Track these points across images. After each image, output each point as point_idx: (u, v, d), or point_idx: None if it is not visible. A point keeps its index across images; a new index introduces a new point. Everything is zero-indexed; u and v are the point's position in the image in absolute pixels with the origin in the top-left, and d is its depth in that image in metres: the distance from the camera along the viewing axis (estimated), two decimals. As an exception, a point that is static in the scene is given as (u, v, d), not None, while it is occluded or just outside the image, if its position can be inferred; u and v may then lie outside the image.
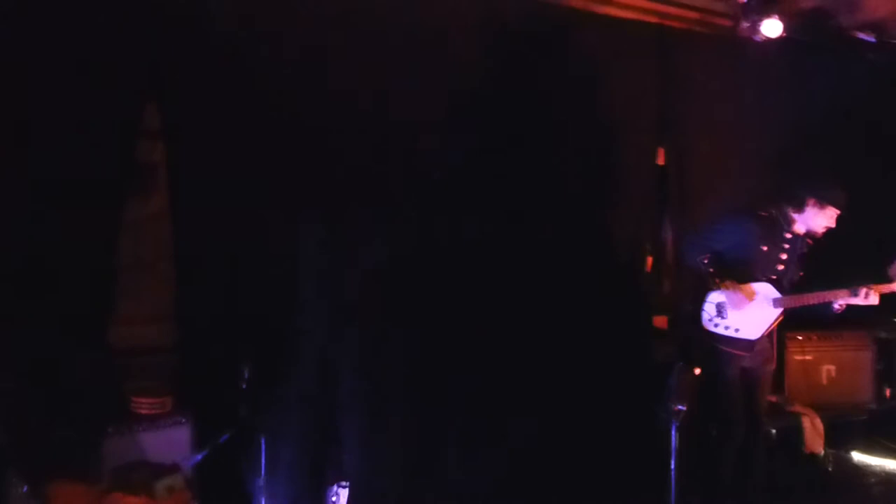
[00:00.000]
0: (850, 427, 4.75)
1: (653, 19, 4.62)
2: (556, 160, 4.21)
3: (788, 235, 3.65)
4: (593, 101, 4.33)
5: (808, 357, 4.75)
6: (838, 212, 3.56)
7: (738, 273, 3.60)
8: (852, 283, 3.49)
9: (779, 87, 4.79)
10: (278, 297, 3.41)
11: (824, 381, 4.76)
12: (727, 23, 4.75)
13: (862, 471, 4.65)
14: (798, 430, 4.46)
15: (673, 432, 3.18)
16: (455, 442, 3.76)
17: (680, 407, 3.16)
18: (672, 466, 3.18)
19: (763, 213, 3.68)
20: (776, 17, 4.51)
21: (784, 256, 3.64)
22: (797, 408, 4.59)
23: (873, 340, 4.87)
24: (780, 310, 3.61)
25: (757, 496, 3.76)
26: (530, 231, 4.09)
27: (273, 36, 3.36)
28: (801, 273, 3.68)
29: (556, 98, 4.19)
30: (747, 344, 3.63)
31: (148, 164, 3.29)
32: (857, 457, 4.75)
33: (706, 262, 3.62)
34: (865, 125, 4.98)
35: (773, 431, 4.40)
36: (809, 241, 3.69)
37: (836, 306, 3.55)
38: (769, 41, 4.58)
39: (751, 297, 3.59)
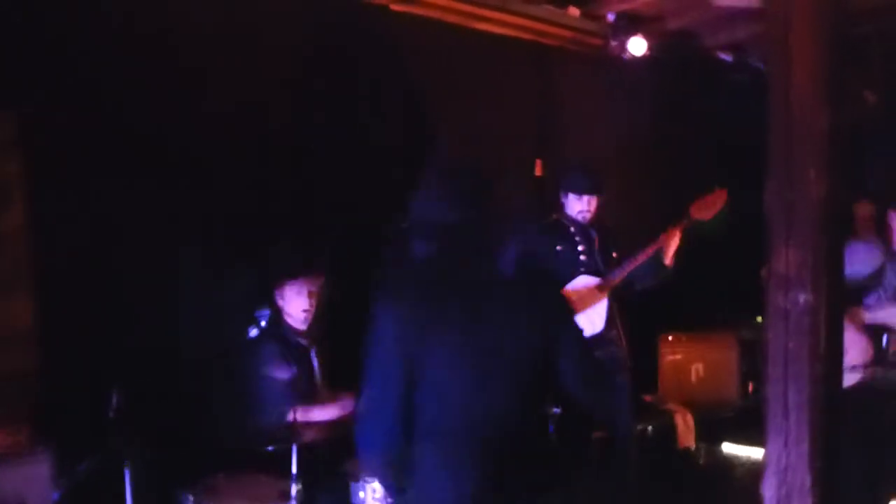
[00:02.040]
0: (719, 422, 5.05)
1: (529, 37, 4.79)
2: (437, 171, 4.26)
3: (573, 229, 3.89)
4: (474, 116, 4.43)
5: (678, 357, 5.03)
6: (583, 195, 3.81)
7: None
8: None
9: (646, 102, 5.06)
10: (150, 319, 3.28)
11: (693, 380, 5.06)
12: (598, 41, 4.99)
13: (731, 462, 4.96)
14: (671, 427, 4.73)
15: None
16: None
17: (556, 410, 3.25)
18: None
19: (549, 220, 3.95)
20: (641, 36, 4.77)
21: (581, 248, 3.87)
22: (670, 406, 4.85)
23: (738, 341, 5.21)
24: (606, 292, 3.78)
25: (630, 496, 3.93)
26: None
27: (141, 44, 3.24)
28: (615, 254, 3.89)
29: (434, 112, 4.26)
30: (597, 340, 3.73)
31: (1, 179, 3.09)
32: (727, 448, 5.06)
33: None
34: (723, 138, 5.34)
35: (649, 429, 4.64)
36: (597, 227, 3.92)
37: (666, 262, 3.77)
38: (636, 59, 4.84)
39: (572, 296, 3.70)
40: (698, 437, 4.82)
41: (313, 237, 3.66)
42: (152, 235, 3.27)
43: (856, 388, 3.41)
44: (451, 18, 4.39)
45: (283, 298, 3.34)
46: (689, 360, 5.06)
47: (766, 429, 1.86)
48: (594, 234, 3.92)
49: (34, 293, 3.14)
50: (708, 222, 3.75)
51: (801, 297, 1.75)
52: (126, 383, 2.90)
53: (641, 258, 3.76)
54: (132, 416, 2.87)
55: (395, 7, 4.08)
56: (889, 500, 3.75)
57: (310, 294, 3.32)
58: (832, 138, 1.74)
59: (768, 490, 1.87)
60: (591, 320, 3.77)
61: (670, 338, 5.03)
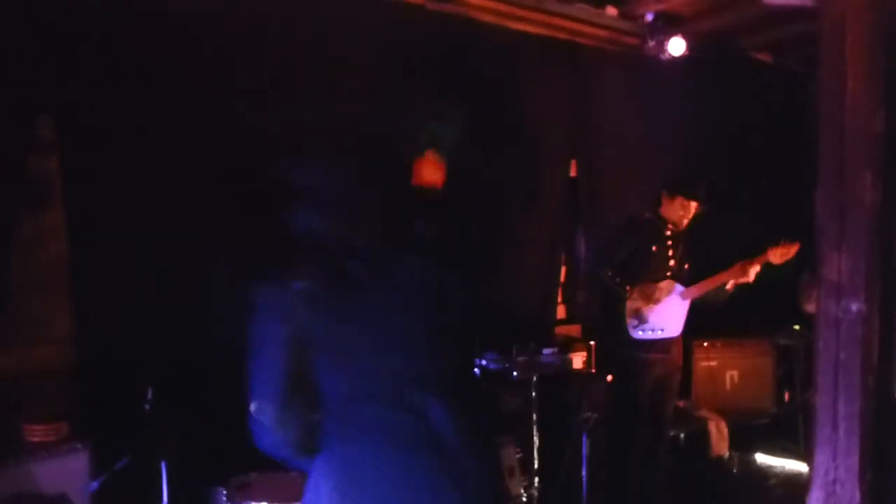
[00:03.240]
0: (752, 430, 4.96)
1: (565, 36, 4.74)
2: (472, 171, 4.25)
3: (668, 232, 3.86)
4: (508, 115, 4.41)
5: (713, 363, 4.94)
6: (690, 201, 3.76)
7: (641, 277, 3.77)
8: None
9: (683, 102, 4.98)
10: (184, 317, 3.30)
11: (728, 387, 4.97)
12: (635, 41, 4.92)
13: (764, 471, 4.86)
14: (704, 434, 4.64)
15: (584, 440, 3.23)
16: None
17: (590, 414, 3.22)
18: (584, 474, 3.24)
19: (643, 217, 3.92)
20: (680, 36, 4.69)
21: (671, 252, 3.86)
22: (703, 412, 4.76)
23: (774, 347, 5.11)
24: (687, 301, 3.82)
25: (660, 498, 3.88)
26: (444, 243, 4.12)
27: (177, 48, 3.26)
28: (688, 265, 3.90)
29: (471, 111, 4.23)
30: (667, 344, 3.82)
31: (39, 179, 3.13)
32: (760, 458, 4.96)
33: (610, 274, 3.78)
34: (759, 139, 5.25)
35: (682, 435, 4.57)
36: (685, 234, 3.90)
37: (728, 287, 3.77)
38: (674, 59, 4.77)
39: (662, 295, 3.77)
40: (732, 446, 4.74)
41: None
42: (186, 235, 3.29)
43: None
44: (486, 17, 4.36)
45: None
46: (723, 367, 4.97)
47: (814, 440, 1.81)
48: (681, 241, 3.91)
49: (71, 292, 3.18)
50: (775, 266, 3.73)
51: (854, 306, 1.70)
52: (161, 380, 2.94)
53: (721, 279, 3.76)
54: (167, 412, 2.90)
55: (430, 6, 4.07)
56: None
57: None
58: (888, 142, 1.69)
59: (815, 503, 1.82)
60: (673, 323, 3.84)
61: (705, 344, 4.94)
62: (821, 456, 1.78)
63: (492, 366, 3.60)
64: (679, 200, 3.79)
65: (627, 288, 3.77)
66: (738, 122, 5.08)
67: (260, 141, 3.39)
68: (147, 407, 2.91)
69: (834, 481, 1.77)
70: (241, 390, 3.27)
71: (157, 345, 3.13)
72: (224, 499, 2.81)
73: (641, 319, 3.78)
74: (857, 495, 1.74)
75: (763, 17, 4.61)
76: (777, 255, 3.63)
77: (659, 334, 3.78)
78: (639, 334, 3.79)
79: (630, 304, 3.80)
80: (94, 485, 2.80)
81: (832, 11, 1.71)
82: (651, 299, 3.75)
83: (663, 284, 3.81)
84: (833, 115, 1.73)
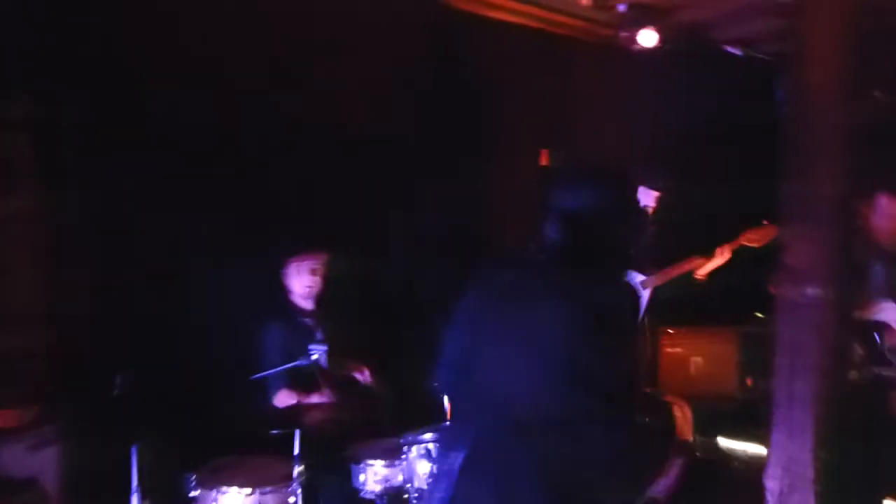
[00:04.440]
0: (716, 415, 5.07)
1: (538, 25, 4.77)
2: (443, 158, 4.28)
3: None
4: (482, 103, 4.44)
5: (678, 350, 5.05)
6: (651, 191, 3.83)
7: None
8: None
9: (656, 94, 5.05)
10: (158, 300, 3.29)
11: (693, 373, 5.07)
12: (608, 31, 4.97)
13: (727, 455, 4.98)
14: (670, 419, 4.74)
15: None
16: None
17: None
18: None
19: None
20: (652, 28, 4.75)
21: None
22: (669, 398, 4.86)
23: (738, 334, 5.22)
24: (648, 290, 3.86)
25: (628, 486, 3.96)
26: (422, 225, 4.16)
27: (151, 31, 3.22)
28: (657, 255, 3.93)
29: (445, 98, 4.26)
30: None
31: (10, 159, 3.08)
32: (723, 442, 5.09)
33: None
34: (730, 132, 5.34)
35: (648, 421, 4.66)
36: (650, 223, 3.93)
37: (699, 275, 3.84)
38: (646, 51, 4.83)
39: None
40: (696, 430, 4.84)
41: (313, 216, 3.67)
42: (160, 218, 3.27)
43: (853, 384, 3.44)
44: (462, 5, 4.38)
45: (287, 278, 3.39)
46: (688, 354, 5.08)
47: (772, 419, 1.88)
48: (648, 231, 3.94)
49: (42, 274, 3.15)
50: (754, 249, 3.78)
51: (812, 291, 1.77)
52: (133, 365, 2.93)
53: (687, 266, 3.83)
54: (139, 397, 2.89)
55: (406, -7, 4.08)
56: (885, 498, 3.79)
57: (312, 271, 3.38)
58: (847, 135, 1.76)
59: (771, 481, 1.89)
60: None
61: (670, 331, 5.05)
62: (778, 435, 1.85)
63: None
64: (640, 190, 3.86)
65: None
66: (709, 114, 5.16)
67: (240, 122, 3.40)
68: (117, 391, 2.90)
69: (790, 459, 1.85)
70: (216, 375, 3.30)
71: (132, 328, 3.12)
72: (193, 484, 2.82)
73: None
74: (811, 472, 1.82)
75: (735, 10, 4.69)
76: (752, 238, 3.70)
77: None
78: None
79: None
80: (67, 469, 2.78)
81: (797, 5, 1.77)
82: None
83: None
84: (797, 108, 1.79)
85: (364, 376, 3.41)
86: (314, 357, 2.92)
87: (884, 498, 3.81)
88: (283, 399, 3.25)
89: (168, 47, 3.26)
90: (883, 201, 3.44)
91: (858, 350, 3.41)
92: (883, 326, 3.39)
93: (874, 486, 3.64)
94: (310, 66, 3.70)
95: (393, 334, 3.92)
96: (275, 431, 2.84)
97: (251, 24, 3.49)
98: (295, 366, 2.98)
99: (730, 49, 5.23)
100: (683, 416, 4.81)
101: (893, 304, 3.38)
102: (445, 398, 3.60)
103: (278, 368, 3.06)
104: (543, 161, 4.83)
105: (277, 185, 3.71)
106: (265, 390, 3.22)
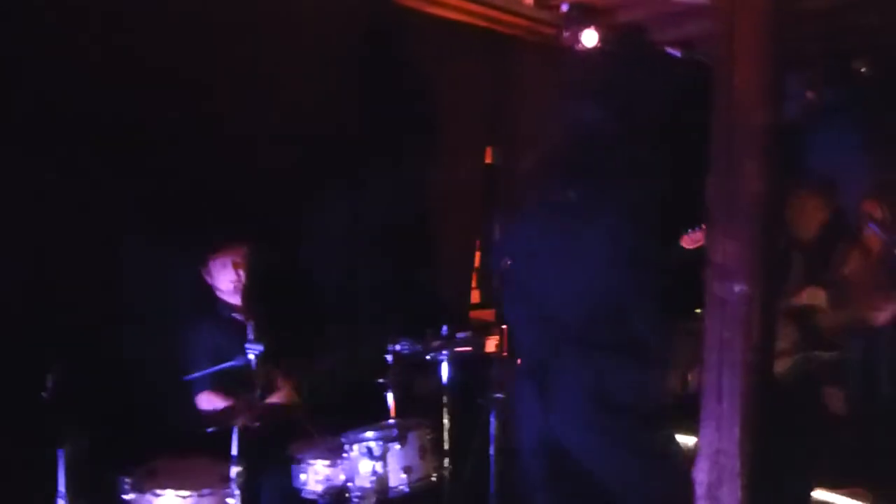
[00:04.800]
0: (658, 410, 5.16)
1: (483, 23, 4.78)
2: (388, 156, 4.26)
3: None
4: (424, 99, 4.43)
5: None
6: None
7: None
8: None
9: (598, 93, 5.11)
10: (88, 298, 3.19)
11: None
12: (552, 31, 5.01)
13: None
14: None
15: (492, 419, 3.31)
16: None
17: (499, 395, 3.30)
18: (491, 452, 3.32)
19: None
20: (593, 28, 4.81)
21: None
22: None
23: (679, 331, 5.33)
24: None
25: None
26: (365, 226, 4.13)
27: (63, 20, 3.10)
28: None
29: (386, 94, 4.24)
30: None
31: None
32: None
33: (510, 263, 3.87)
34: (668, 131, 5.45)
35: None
36: None
37: None
38: (588, 50, 4.89)
39: None
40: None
41: (235, 209, 3.60)
42: (89, 214, 3.17)
43: (787, 372, 3.56)
44: (405, 1, 4.35)
45: (210, 275, 3.34)
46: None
47: (701, 414, 1.92)
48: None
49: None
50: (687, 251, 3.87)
51: (738, 288, 1.81)
52: (63, 364, 2.83)
53: None
54: (69, 397, 2.80)
55: (348, -12, 4.04)
56: (814, 487, 3.93)
57: (235, 265, 3.32)
58: (771, 134, 1.80)
59: (700, 474, 1.94)
60: None
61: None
62: (706, 429, 1.89)
63: (406, 350, 3.63)
64: None
65: None
66: (649, 113, 5.25)
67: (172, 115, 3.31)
68: (46, 394, 2.80)
69: (718, 452, 1.89)
70: (148, 375, 3.22)
71: (61, 327, 3.01)
72: (127, 488, 2.74)
73: None
74: (738, 465, 1.87)
75: (673, 12, 4.78)
76: (688, 241, 3.79)
77: None
78: None
79: None
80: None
81: (723, 9, 1.81)
82: None
83: None
84: (723, 108, 1.83)
85: (282, 392, 3.37)
86: (251, 356, 2.87)
87: (814, 486, 3.96)
88: (208, 401, 3.19)
89: (77, 36, 3.14)
90: (801, 197, 3.62)
91: (794, 336, 3.54)
92: (815, 311, 3.52)
93: (803, 477, 3.78)
94: (241, 56, 3.62)
95: (330, 328, 3.89)
96: (210, 430, 2.77)
97: (177, 12, 3.40)
98: (230, 366, 2.92)
99: (670, 50, 5.34)
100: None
101: (820, 290, 3.51)
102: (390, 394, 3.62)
103: (212, 369, 3.00)
104: (487, 159, 4.85)
105: (208, 178, 3.62)
106: (195, 390, 3.16)
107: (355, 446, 3.06)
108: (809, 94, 4.67)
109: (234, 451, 2.71)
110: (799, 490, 3.76)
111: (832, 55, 5.10)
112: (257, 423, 2.86)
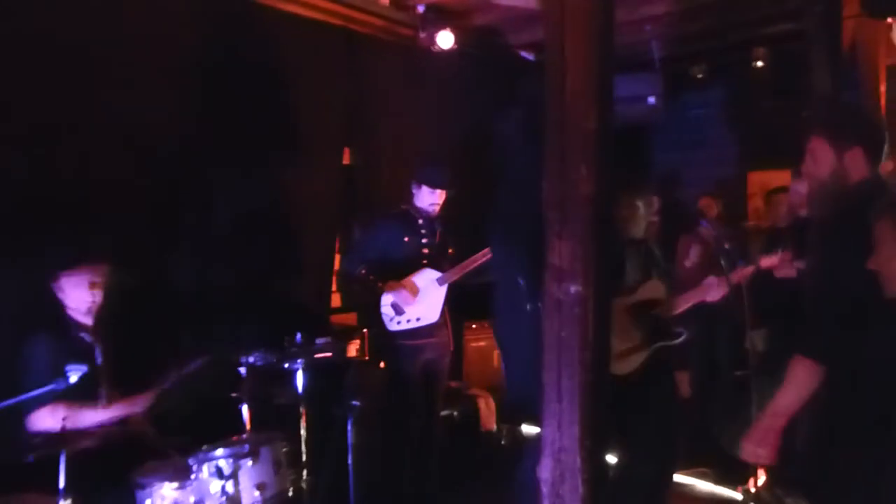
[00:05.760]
0: (522, 405, 5.30)
1: (339, 22, 4.70)
2: (242, 159, 4.08)
3: (421, 221, 3.99)
4: (280, 99, 4.28)
5: (482, 343, 5.23)
6: (434, 189, 3.93)
7: (397, 269, 3.85)
8: None
9: (455, 95, 5.16)
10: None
11: (496, 365, 5.27)
12: (409, 32, 5.01)
13: (530, 440, 5.23)
14: (475, 411, 4.90)
15: (349, 428, 3.25)
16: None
17: (355, 403, 3.24)
18: (349, 461, 3.26)
19: (398, 209, 4.04)
20: (449, 30, 4.85)
21: (426, 241, 3.99)
22: (473, 391, 5.02)
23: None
24: (445, 286, 3.94)
25: (435, 479, 4.02)
26: (220, 227, 3.95)
27: None
28: (451, 250, 4.07)
29: (239, 95, 4.06)
30: (429, 329, 3.92)
31: None
32: (526, 429, 5.33)
33: (364, 272, 3.85)
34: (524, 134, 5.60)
35: (455, 414, 4.78)
36: (440, 221, 4.05)
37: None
38: (445, 52, 4.92)
39: (414, 288, 3.86)
40: (500, 420, 5.04)
41: (92, 225, 3.35)
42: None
43: (641, 367, 3.72)
44: (258, -2, 4.20)
45: (62, 292, 3.05)
46: (492, 346, 5.26)
47: (542, 414, 1.95)
48: (437, 228, 4.01)
49: None
50: None
51: (573, 288, 1.85)
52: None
53: (481, 260, 3.93)
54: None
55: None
56: (674, 472, 4.14)
57: (92, 285, 3.06)
58: (600, 138, 1.85)
59: (545, 472, 1.96)
60: (429, 311, 3.92)
61: (474, 325, 5.21)
62: (548, 427, 1.93)
63: (260, 362, 3.49)
64: (424, 189, 3.93)
65: (380, 284, 3.84)
66: (503, 115, 5.36)
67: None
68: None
69: (559, 450, 1.92)
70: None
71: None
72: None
73: (398, 311, 3.86)
74: (579, 461, 1.91)
75: (525, 16, 4.91)
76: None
77: (416, 324, 3.88)
78: (394, 326, 3.88)
79: (386, 298, 3.88)
80: None
81: (553, 16, 1.85)
82: (405, 292, 3.84)
83: (417, 277, 3.89)
84: (555, 112, 1.87)
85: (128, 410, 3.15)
86: (72, 379, 2.63)
87: (675, 471, 4.17)
88: (43, 420, 2.90)
89: None
90: (638, 195, 3.83)
91: (642, 331, 3.70)
92: (656, 303, 3.71)
93: (660, 464, 3.97)
94: (84, 59, 3.35)
95: (184, 343, 3.68)
96: (32, 458, 2.51)
97: (14, 22, 3.11)
98: (49, 390, 2.66)
99: (523, 53, 5.48)
100: (487, 408, 5.00)
101: (659, 282, 3.70)
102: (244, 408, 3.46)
103: (41, 390, 2.73)
104: (345, 160, 4.77)
105: (52, 189, 3.34)
106: (23, 413, 2.87)
107: (204, 466, 2.89)
108: (651, 98, 4.93)
109: (62, 481, 2.47)
110: (658, 476, 3.94)
111: (672, 60, 5.42)
112: (95, 445, 2.64)
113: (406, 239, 3.93)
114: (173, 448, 3.05)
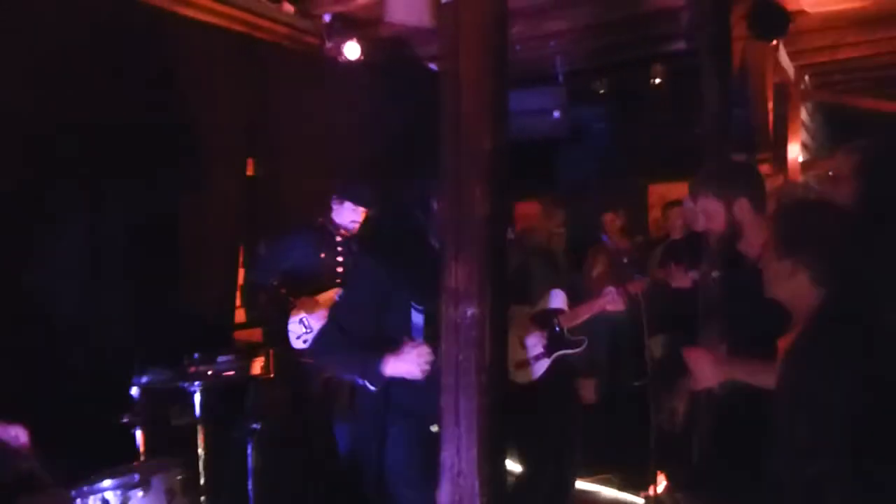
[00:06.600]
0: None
1: (242, 29, 4.56)
2: (137, 168, 3.88)
3: (339, 238, 3.91)
4: (178, 108, 4.11)
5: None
6: (358, 206, 3.85)
7: (310, 285, 3.76)
8: None
9: (362, 106, 5.10)
10: None
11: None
12: (314, 41, 4.92)
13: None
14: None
15: (249, 450, 3.14)
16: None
17: (255, 425, 3.13)
18: (249, 486, 3.14)
19: (315, 223, 3.94)
20: (355, 40, 4.79)
21: (341, 259, 3.90)
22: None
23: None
24: None
25: None
26: (106, 246, 3.73)
27: None
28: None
29: (135, 102, 3.86)
30: None
31: None
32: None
33: (276, 284, 3.73)
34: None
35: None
36: (357, 239, 3.98)
37: None
38: (351, 62, 4.85)
39: (324, 303, 3.76)
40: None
41: None
42: None
43: (544, 375, 3.76)
44: (155, 1, 4.01)
45: None
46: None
47: (441, 437, 1.92)
48: (354, 246, 3.90)
49: None
50: None
51: (469, 311, 1.84)
52: None
53: None
54: None
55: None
56: (575, 478, 4.20)
57: None
58: (496, 159, 1.85)
59: (444, 496, 1.94)
60: None
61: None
62: (446, 452, 1.90)
63: (157, 382, 3.33)
64: (347, 205, 3.85)
65: (291, 299, 3.73)
66: (411, 128, 5.33)
67: None
68: None
69: (458, 474, 1.90)
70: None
71: None
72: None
73: (307, 329, 3.77)
74: (477, 484, 1.89)
75: (430, 30, 4.89)
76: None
77: None
78: (300, 344, 3.79)
79: (294, 315, 3.77)
80: None
81: (447, 37, 1.83)
82: (315, 310, 3.75)
83: (329, 294, 3.81)
84: (451, 132, 1.85)
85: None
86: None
87: (576, 478, 4.24)
88: None
89: None
90: (542, 208, 3.89)
91: (544, 339, 3.74)
92: (557, 313, 3.77)
93: (563, 473, 4.02)
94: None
95: (68, 362, 3.46)
96: None
97: None
98: None
99: (431, 65, 5.47)
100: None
101: (560, 292, 3.77)
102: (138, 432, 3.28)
103: None
104: (249, 171, 4.63)
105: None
106: None
107: (90, 499, 2.71)
108: (556, 112, 5.02)
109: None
110: (559, 483, 3.99)
111: (576, 75, 5.55)
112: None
113: (322, 255, 3.82)
114: (56, 479, 2.86)
